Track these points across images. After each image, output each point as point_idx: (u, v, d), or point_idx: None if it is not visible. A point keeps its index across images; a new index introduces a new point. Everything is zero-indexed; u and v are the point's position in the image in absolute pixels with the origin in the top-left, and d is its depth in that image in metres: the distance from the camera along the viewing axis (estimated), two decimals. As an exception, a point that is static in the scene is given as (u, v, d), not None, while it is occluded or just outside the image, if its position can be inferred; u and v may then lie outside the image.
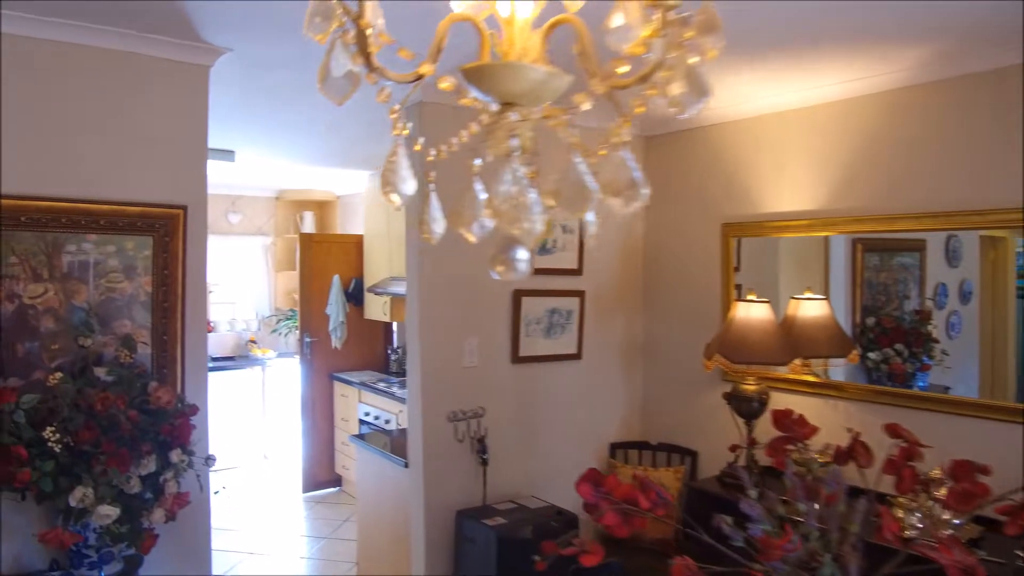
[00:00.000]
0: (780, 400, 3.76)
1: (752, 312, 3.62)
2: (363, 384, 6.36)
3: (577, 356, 4.22)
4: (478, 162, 0.84)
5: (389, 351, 7.08)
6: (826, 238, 3.81)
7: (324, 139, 5.14)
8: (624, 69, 0.75)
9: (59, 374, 2.48)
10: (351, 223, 8.04)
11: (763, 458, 3.74)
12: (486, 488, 3.80)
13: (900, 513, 2.65)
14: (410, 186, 0.87)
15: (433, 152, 0.90)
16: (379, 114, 4.12)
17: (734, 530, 1.73)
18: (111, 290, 2.78)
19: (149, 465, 2.56)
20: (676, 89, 0.72)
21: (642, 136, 4.51)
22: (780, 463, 2.28)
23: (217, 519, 3.64)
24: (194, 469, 2.76)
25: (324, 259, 6.95)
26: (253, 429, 7.85)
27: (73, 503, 2.36)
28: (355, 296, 7.01)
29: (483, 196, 0.84)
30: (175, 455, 2.64)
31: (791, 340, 3.64)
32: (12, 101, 2.58)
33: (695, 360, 4.19)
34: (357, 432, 6.41)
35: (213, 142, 5.42)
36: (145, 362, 2.85)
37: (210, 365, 7.10)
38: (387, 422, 5.93)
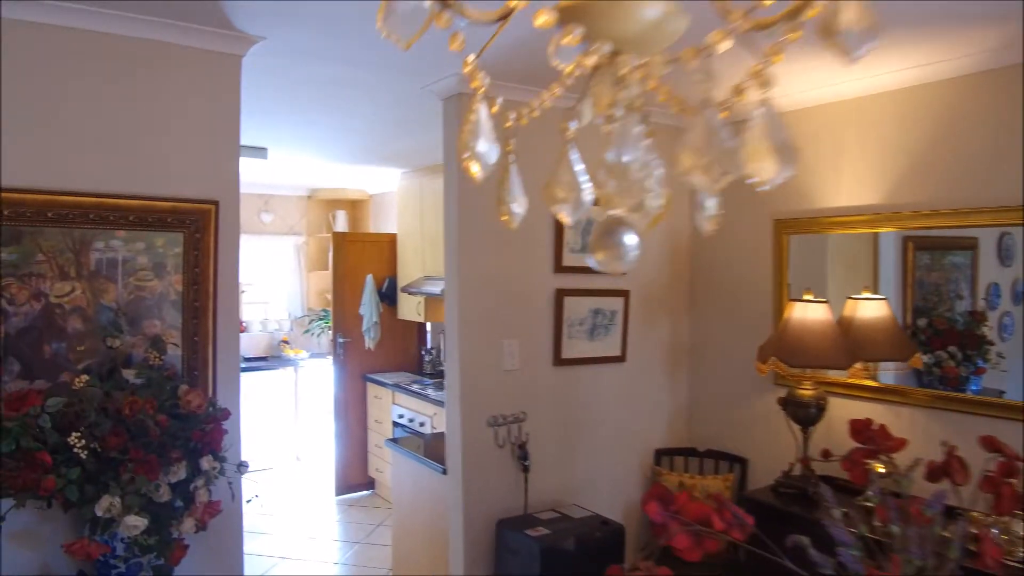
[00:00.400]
0: (838, 406, 3.55)
1: (809, 313, 3.41)
2: (397, 386, 6.23)
3: (621, 358, 4.04)
4: (574, 125, 0.67)
5: (423, 352, 6.95)
6: (875, 235, 3.61)
7: (358, 135, 5.02)
8: (770, 2, 0.58)
9: (86, 376, 2.36)
10: (384, 222, 7.93)
11: (821, 467, 3.54)
12: (527, 496, 3.63)
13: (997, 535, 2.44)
14: (493, 153, 0.71)
15: (513, 116, 0.73)
16: (413, 109, 3.95)
17: (822, 556, 1.55)
18: (140, 289, 2.67)
19: (179, 472, 2.43)
20: (843, 22, 0.55)
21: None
22: (859, 477, 2.09)
23: (249, 522, 3.53)
24: (226, 476, 2.63)
25: (357, 258, 6.84)
26: (286, 430, 7.77)
27: (100, 513, 2.24)
28: (388, 296, 6.89)
29: (579, 167, 0.68)
30: (206, 462, 2.51)
31: (850, 343, 3.43)
32: (37, 93, 2.47)
33: (744, 363, 3.99)
34: (391, 435, 6.29)
35: (245, 139, 5.34)
36: (175, 364, 2.72)
37: (243, 366, 7.01)
38: (421, 425, 5.79)
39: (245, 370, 7.50)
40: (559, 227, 3.74)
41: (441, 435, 4.45)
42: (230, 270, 2.88)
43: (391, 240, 7.01)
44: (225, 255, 2.85)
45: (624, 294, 4.01)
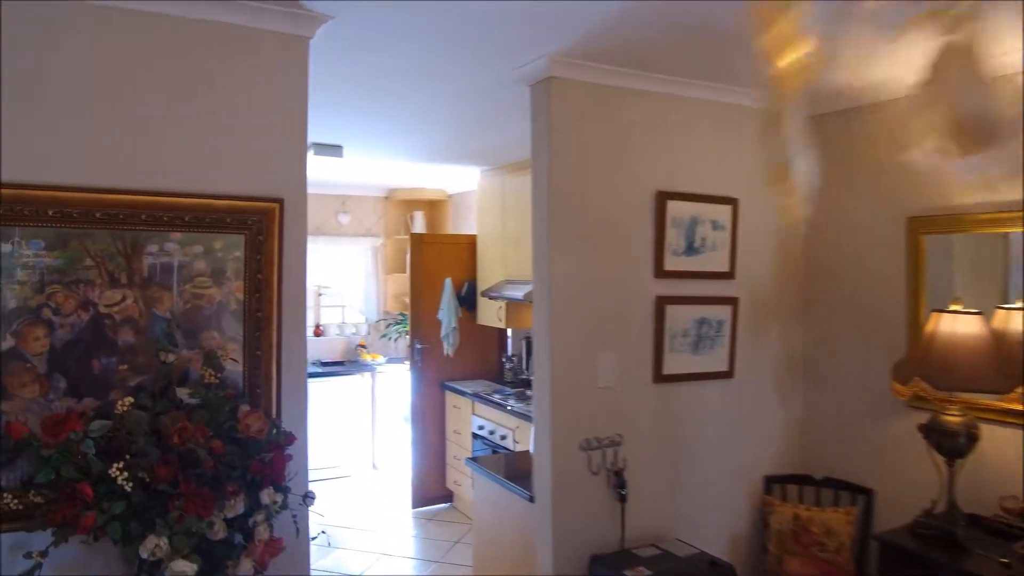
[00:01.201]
0: (992, 435, 3.03)
1: (960, 326, 2.91)
2: (476, 395, 5.91)
3: (728, 374, 3.60)
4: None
5: (504, 360, 6.61)
6: (1006, 236, 3.08)
7: (436, 130, 4.71)
8: None
9: (129, 399, 2.09)
10: (463, 223, 7.64)
11: (969, 505, 3.03)
12: (624, 528, 3.23)
13: None
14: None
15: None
16: (496, 100, 3.58)
17: None
18: (198, 297, 2.39)
19: (236, 507, 2.14)
20: None
21: (808, 116, 3.83)
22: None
23: (323, 537, 3.22)
24: (289, 509, 2.33)
25: (435, 261, 6.56)
26: (362, 437, 7.56)
27: (145, 555, 1.96)
28: (468, 300, 6.58)
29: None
30: (267, 495, 2.22)
31: (1008, 361, 2.91)
32: (83, 82, 2.21)
33: (870, 380, 3.50)
34: (470, 446, 5.98)
35: (319, 136, 5.12)
36: (236, 381, 2.44)
37: (319, 371, 6.82)
38: (502, 438, 5.45)
39: (321, 375, 7.34)
40: (660, 226, 3.33)
41: (526, 454, 4.09)
42: (296, 275, 2.58)
43: (470, 242, 6.70)
44: (291, 259, 2.55)
45: (732, 302, 3.57)
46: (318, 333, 7.95)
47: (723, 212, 3.54)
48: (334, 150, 5.19)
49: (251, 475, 2.19)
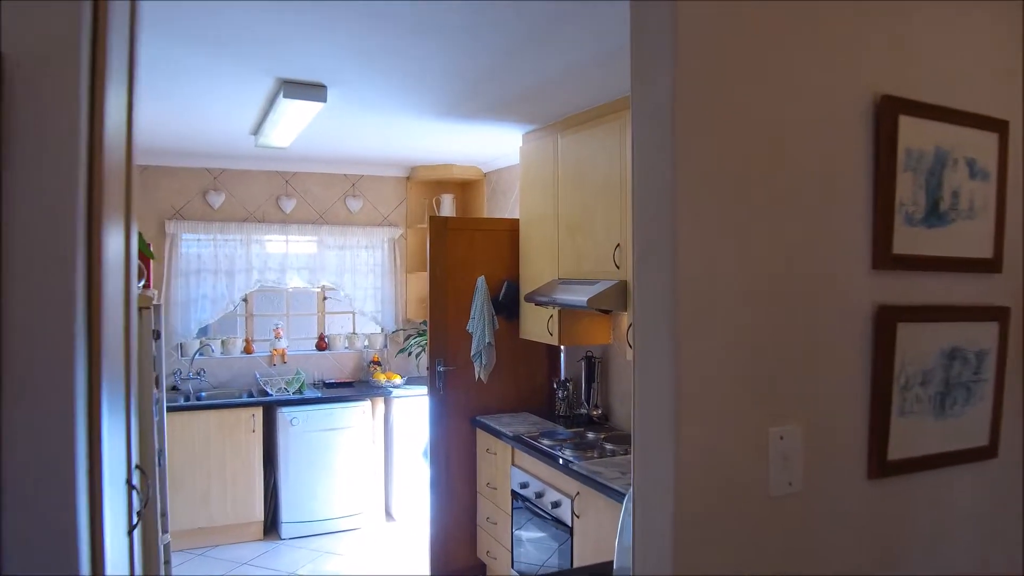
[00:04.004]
0: None
1: None
2: (518, 439, 4.28)
3: (988, 451, 1.91)
4: None
5: (555, 386, 4.96)
6: None
7: (464, 55, 3.12)
8: None
9: None
10: (500, 208, 6.02)
11: None
12: None
13: None
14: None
15: None
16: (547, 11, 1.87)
17: None
18: None
19: None
20: None
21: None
22: None
23: None
24: None
25: (464, 253, 4.95)
26: (375, 479, 5.99)
27: None
28: (507, 306, 4.96)
29: None
30: None
31: None
32: None
33: None
34: (508, 505, 4.36)
35: (288, 71, 3.56)
36: None
37: (319, 395, 5.25)
38: (555, 505, 3.81)
39: (322, 401, 5.80)
40: (885, 166, 1.66)
41: (607, 569, 2.45)
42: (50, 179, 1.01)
43: (511, 228, 5.07)
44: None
45: (999, 316, 1.89)
46: (322, 346, 6.40)
47: (985, 145, 1.86)
48: (313, 91, 3.62)
49: None
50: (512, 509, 4.34)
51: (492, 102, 4.04)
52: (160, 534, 3.33)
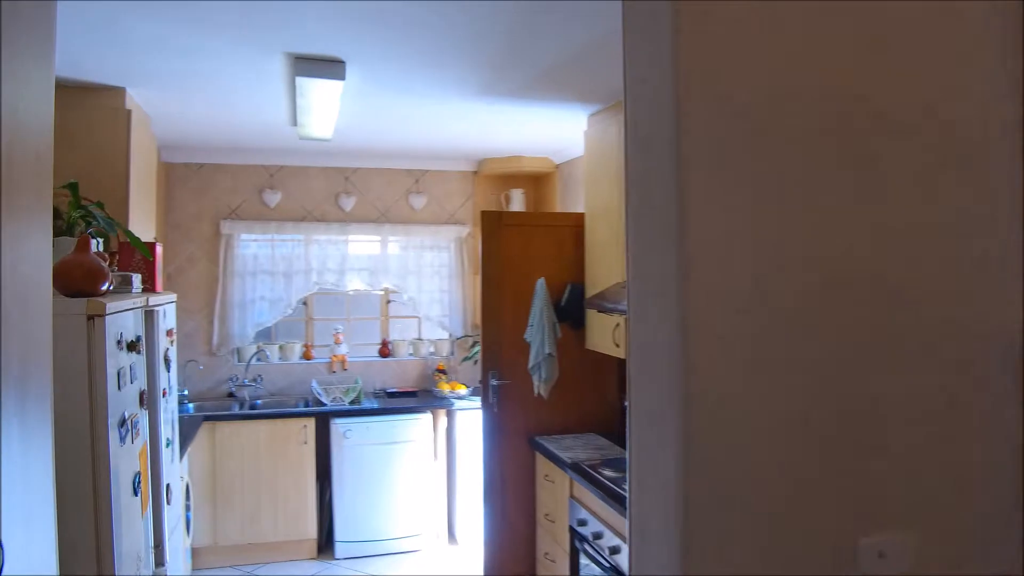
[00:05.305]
0: None
1: None
2: (576, 467, 3.69)
3: None
4: None
5: (625, 403, 4.34)
6: None
7: (526, 32, 2.58)
8: None
9: None
10: (574, 203, 5.44)
11: None
12: None
13: None
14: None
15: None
16: None
17: None
18: None
19: None
20: None
21: None
22: None
23: None
24: None
25: (521, 252, 4.41)
26: (437, 498, 5.53)
27: None
28: (571, 313, 4.39)
29: None
30: None
31: None
32: None
33: None
34: (566, 542, 3.78)
35: (301, 46, 3.11)
36: None
37: (378, 405, 4.67)
38: (613, 551, 3.22)
39: (381, 413, 5.40)
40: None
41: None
42: None
43: (575, 224, 4.49)
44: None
45: None
46: (385, 352, 6.00)
47: None
48: (329, 68, 3.17)
49: None
50: (571, 547, 3.76)
51: (537, 72, 3.44)
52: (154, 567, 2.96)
